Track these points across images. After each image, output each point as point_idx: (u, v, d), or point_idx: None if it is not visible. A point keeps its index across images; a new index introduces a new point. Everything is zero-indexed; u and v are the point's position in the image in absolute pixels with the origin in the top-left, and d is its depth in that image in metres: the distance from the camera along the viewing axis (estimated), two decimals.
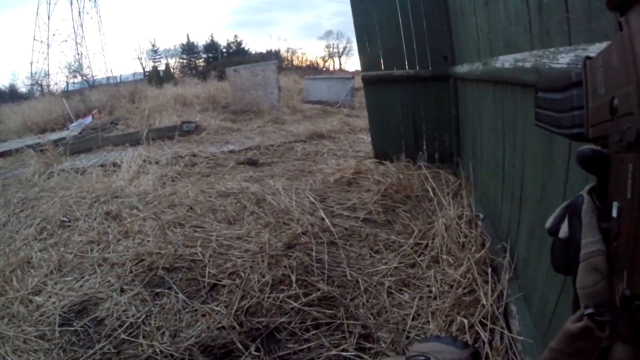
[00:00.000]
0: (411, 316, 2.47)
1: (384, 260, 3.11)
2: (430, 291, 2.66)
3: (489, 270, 2.59)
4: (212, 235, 3.68)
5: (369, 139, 6.09)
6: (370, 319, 2.50)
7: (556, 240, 0.56)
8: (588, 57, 0.50)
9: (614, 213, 0.43)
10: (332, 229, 3.55)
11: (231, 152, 7.69)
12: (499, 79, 2.45)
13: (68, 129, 13.55)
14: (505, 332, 2.16)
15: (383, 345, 2.29)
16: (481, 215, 3.19)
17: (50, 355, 2.56)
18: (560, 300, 1.60)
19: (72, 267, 3.57)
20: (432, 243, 3.16)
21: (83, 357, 2.52)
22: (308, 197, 4.33)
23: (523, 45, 1.99)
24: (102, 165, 7.33)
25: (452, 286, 2.61)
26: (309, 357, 2.30)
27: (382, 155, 5.36)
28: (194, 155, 7.50)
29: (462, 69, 3.80)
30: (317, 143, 7.82)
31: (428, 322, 2.39)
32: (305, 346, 2.38)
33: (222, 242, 3.56)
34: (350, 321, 2.48)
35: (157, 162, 7.02)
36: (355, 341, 2.34)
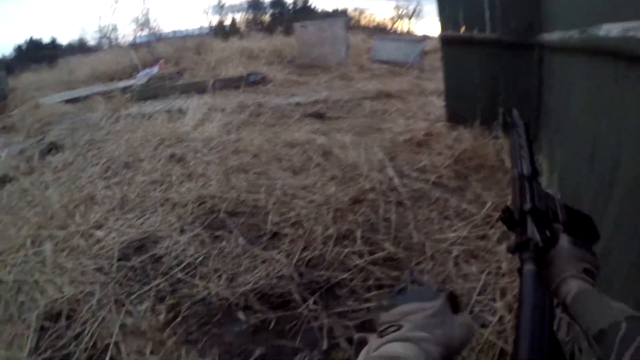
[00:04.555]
0: (477, 290, 2.30)
1: (453, 228, 2.92)
2: (500, 267, 2.47)
3: None
4: (276, 184, 3.62)
5: (441, 102, 5.84)
6: (434, 286, 2.38)
7: None
8: None
9: None
10: (401, 188, 3.41)
11: (297, 104, 7.56)
12: (598, 49, 2.19)
13: (135, 78, 13.74)
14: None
15: None
16: (559, 195, 2.94)
17: (105, 288, 2.59)
18: None
19: (134, 205, 3.62)
20: None
21: (138, 292, 2.55)
22: (377, 154, 4.18)
23: (634, 11, 1.74)
24: (167, 111, 7.41)
25: None
26: (367, 318, 2.21)
27: (455, 119, 5.11)
28: (260, 106, 7.44)
29: (551, 36, 3.47)
30: (386, 102, 7.54)
31: (494, 299, 2.22)
32: (365, 305, 2.29)
33: (286, 191, 3.50)
34: (415, 286, 2.37)
35: (222, 110, 7.00)
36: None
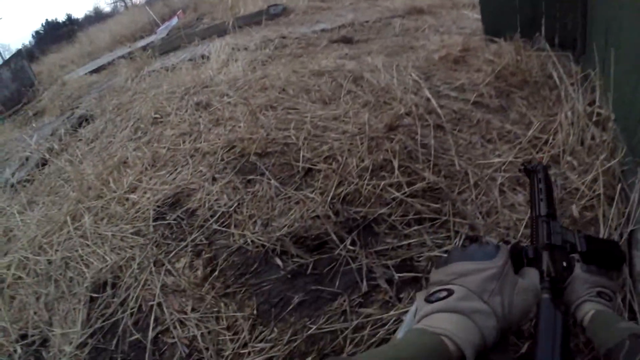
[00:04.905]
0: (524, 222, 2.10)
1: (497, 152, 2.69)
2: None
3: (618, 186, 2.05)
4: (306, 117, 3.43)
5: (476, 15, 5.44)
6: (479, 218, 2.20)
7: None
8: None
9: None
10: (439, 110, 3.15)
11: (323, 30, 7.24)
12: None
13: (155, 33, 13.92)
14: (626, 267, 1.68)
15: None
16: (612, 116, 2.62)
17: (145, 251, 2.62)
18: None
19: (165, 161, 3.58)
20: (553, 139, 2.64)
21: (175, 250, 2.55)
22: (410, 75, 3.87)
23: None
24: (190, 60, 7.32)
25: (576, 193, 2.18)
26: (408, 256, 2.08)
27: (492, 32, 4.72)
28: (284, 38, 7.15)
29: None
30: (417, 19, 7.06)
31: None
32: (405, 242, 2.16)
33: (317, 124, 3.31)
34: (457, 219, 2.20)
35: (245, 49, 6.79)
36: (460, 243, 2.09)
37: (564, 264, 1.35)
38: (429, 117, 3.09)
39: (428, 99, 3.32)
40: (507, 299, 0.86)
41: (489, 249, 0.93)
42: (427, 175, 2.46)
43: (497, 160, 2.59)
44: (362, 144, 2.85)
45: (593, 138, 2.50)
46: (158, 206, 2.97)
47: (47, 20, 31.26)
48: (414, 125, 2.98)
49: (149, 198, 3.09)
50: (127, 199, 3.21)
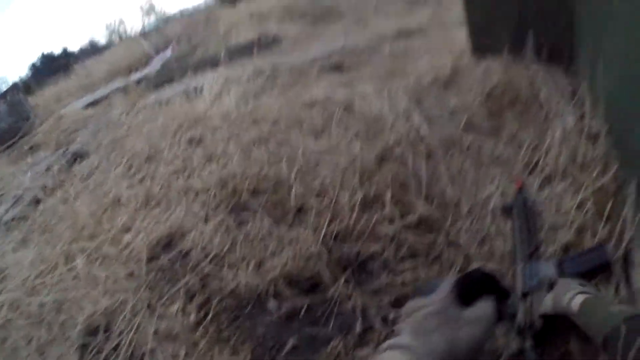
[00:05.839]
0: None
1: (489, 177, 2.64)
2: (543, 221, 2.21)
3: (609, 203, 2.00)
4: (298, 151, 3.44)
5: (463, 33, 5.50)
6: (473, 248, 2.16)
7: None
8: None
9: None
10: (430, 137, 3.15)
11: (314, 59, 7.29)
12: None
13: (150, 65, 13.93)
14: (623, 284, 1.63)
15: None
16: (604, 130, 2.58)
17: (138, 294, 2.60)
18: None
19: (159, 199, 3.60)
20: (544, 159, 2.59)
21: (169, 293, 2.54)
22: (401, 101, 3.89)
23: None
24: (184, 93, 7.34)
25: (568, 217, 2.10)
26: (403, 292, 2.04)
27: (481, 50, 4.76)
28: (276, 68, 7.22)
29: None
30: (406, 41, 7.11)
31: None
32: (398, 279, 2.12)
33: (309, 158, 3.32)
34: (451, 249, 2.18)
35: (238, 80, 6.86)
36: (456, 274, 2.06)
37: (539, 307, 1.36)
38: (421, 144, 3.09)
39: (419, 126, 3.32)
40: (449, 334, 0.84)
41: (435, 283, 0.92)
42: (419, 207, 2.44)
43: (489, 185, 2.55)
44: (353, 176, 2.85)
45: (585, 154, 2.45)
46: (151, 247, 2.98)
47: (43, 53, 31.75)
48: (405, 154, 2.97)
49: (142, 239, 3.09)
50: (120, 240, 3.21)
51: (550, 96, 3.24)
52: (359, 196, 2.63)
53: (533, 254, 1.53)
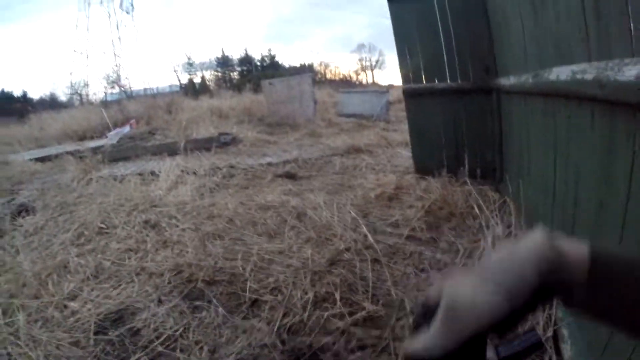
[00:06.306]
0: None
1: (429, 280, 3.00)
2: None
3: None
4: (252, 249, 3.64)
5: (408, 153, 6.01)
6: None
7: None
8: None
9: None
10: (376, 246, 3.47)
11: (269, 164, 7.68)
12: (551, 91, 2.34)
13: (106, 137, 13.85)
14: (554, 357, 2.06)
15: None
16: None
17: None
18: None
19: (110, 274, 3.56)
20: (478, 262, 3.01)
21: None
22: (350, 212, 4.25)
23: (580, 55, 1.88)
24: (140, 174, 7.43)
25: None
26: None
27: (423, 169, 5.27)
28: (232, 167, 7.53)
29: (508, 81, 3.66)
30: (355, 157, 7.74)
31: None
32: None
33: (263, 257, 3.51)
34: (397, 343, 2.39)
35: (195, 173, 7.07)
36: None
37: None
38: (367, 251, 3.40)
39: (366, 235, 3.65)
40: None
41: None
42: (366, 305, 2.68)
43: (430, 287, 2.84)
44: (305, 277, 3.07)
45: None
46: (100, 319, 2.91)
47: (3, 90, 30.86)
48: (353, 260, 3.26)
49: (90, 309, 3.02)
50: (66, 306, 3.11)
51: (481, 209, 3.67)
52: (311, 295, 2.82)
53: None
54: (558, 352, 2.08)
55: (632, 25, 1.35)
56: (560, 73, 2.10)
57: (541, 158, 2.75)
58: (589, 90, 1.68)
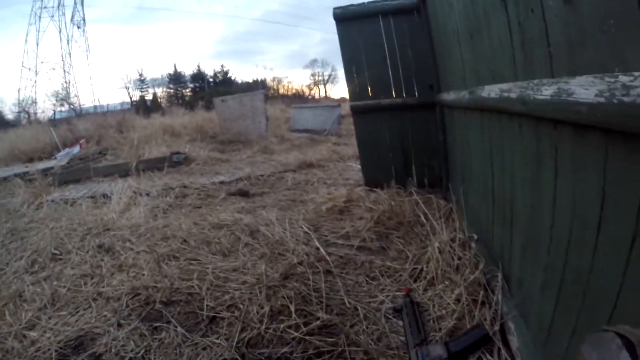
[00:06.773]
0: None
1: (381, 287, 3.15)
2: (429, 314, 2.71)
3: (481, 291, 2.67)
4: (207, 268, 3.68)
5: (359, 166, 6.16)
6: (371, 344, 2.52)
7: None
8: None
9: None
10: (328, 258, 3.60)
11: (221, 183, 7.71)
12: (485, 107, 2.54)
13: (56, 158, 13.47)
14: (502, 349, 2.23)
15: None
16: (475, 237, 3.25)
17: None
18: (556, 314, 1.68)
19: (66, 301, 3.52)
20: (427, 267, 3.21)
21: None
22: (302, 227, 4.37)
23: (508, 76, 2.08)
24: (92, 197, 7.30)
25: (449, 309, 2.67)
26: None
27: (372, 182, 5.43)
28: (185, 187, 7.51)
29: (449, 96, 3.88)
30: (307, 172, 7.88)
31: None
32: None
33: (218, 275, 3.57)
34: (352, 348, 2.50)
35: (147, 194, 7.02)
36: None
37: None
38: (319, 264, 3.52)
39: (317, 248, 3.78)
40: None
41: None
42: (321, 315, 2.79)
43: (381, 294, 3.04)
44: (260, 292, 3.15)
45: (460, 258, 3.11)
46: (60, 347, 2.87)
47: None
48: (306, 273, 3.36)
49: (49, 338, 2.98)
50: (25, 336, 3.05)
51: (427, 217, 3.87)
52: (267, 308, 2.91)
53: (423, 341, 2.00)
54: (506, 344, 2.26)
55: (550, 49, 1.52)
56: (491, 91, 2.30)
57: (481, 166, 2.96)
58: (514, 107, 1.88)
